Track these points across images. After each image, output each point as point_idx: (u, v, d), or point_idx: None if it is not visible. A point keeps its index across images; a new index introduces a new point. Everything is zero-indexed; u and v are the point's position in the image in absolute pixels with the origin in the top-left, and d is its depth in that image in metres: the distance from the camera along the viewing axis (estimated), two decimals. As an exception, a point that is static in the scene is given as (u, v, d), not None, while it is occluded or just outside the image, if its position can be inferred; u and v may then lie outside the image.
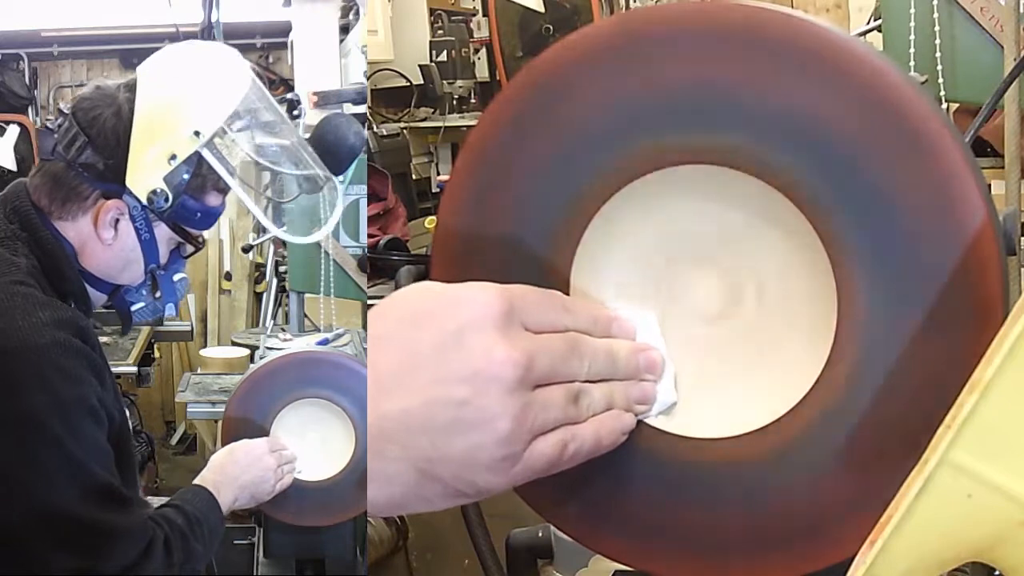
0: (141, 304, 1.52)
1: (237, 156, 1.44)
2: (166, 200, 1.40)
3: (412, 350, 0.67)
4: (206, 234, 1.55)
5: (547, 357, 0.69)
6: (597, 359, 0.73)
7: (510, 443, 0.67)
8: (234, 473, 1.65)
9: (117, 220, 1.43)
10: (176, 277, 1.53)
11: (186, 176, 1.41)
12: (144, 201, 1.40)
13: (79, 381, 1.31)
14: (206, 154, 1.41)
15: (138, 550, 1.35)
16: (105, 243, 1.43)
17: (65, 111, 1.44)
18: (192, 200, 1.44)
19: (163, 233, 1.47)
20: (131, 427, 1.68)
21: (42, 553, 1.32)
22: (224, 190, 1.47)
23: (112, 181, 1.40)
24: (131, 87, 1.43)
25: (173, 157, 1.40)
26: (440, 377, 0.66)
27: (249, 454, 1.71)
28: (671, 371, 0.77)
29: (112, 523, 1.33)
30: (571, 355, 0.71)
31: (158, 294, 1.52)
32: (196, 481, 1.60)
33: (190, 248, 1.52)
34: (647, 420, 0.77)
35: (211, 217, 1.49)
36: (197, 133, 1.40)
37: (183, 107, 1.42)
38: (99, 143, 1.40)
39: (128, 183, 1.40)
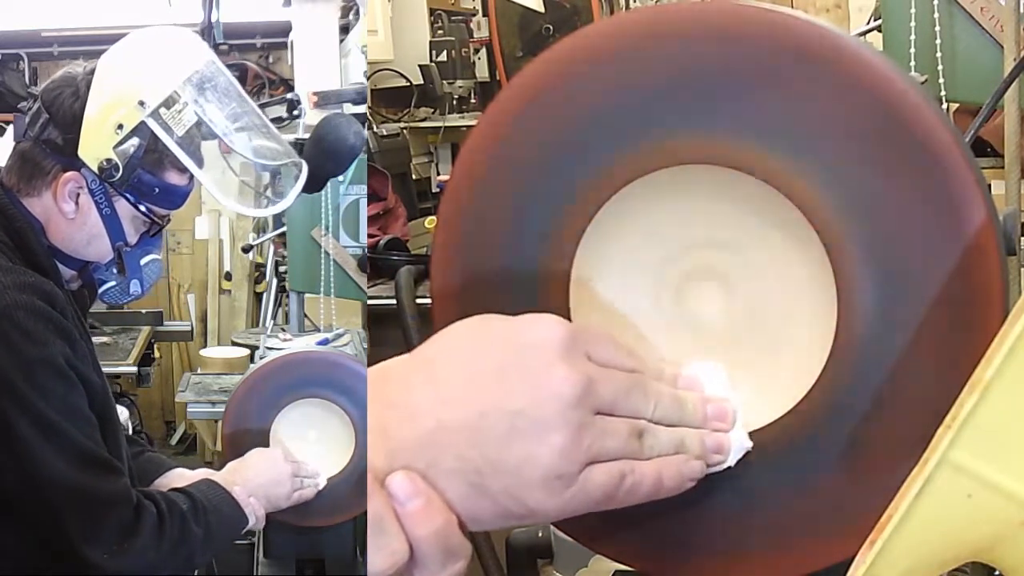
0: (112, 283, 1.56)
1: (184, 127, 1.47)
2: (117, 170, 1.45)
3: (473, 368, 0.67)
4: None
5: (611, 386, 0.68)
6: (663, 402, 0.71)
7: (563, 459, 0.65)
8: (247, 475, 1.65)
9: (78, 195, 1.47)
10: (145, 259, 1.56)
11: (139, 149, 1.45)
12: (95, 170, 1.44)
13: (44, 343, 1.34)
14: (151, 123, 1.45)
15: (124, 517, 1.36)
16: (67, 216, 1.48)
17: (36, 95, 1.50)
18: (149, 175, 1.48)
19: (126, 210, 1.50)
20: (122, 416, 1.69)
21: (24, 519, 1.34)
22: (184, 168, 1.49)
23: (70, 155, 1.46)
24: (93, 70, 1.48)
25: (120, 127, 1.44)
26: (499, 392, 0.66)
27: (263, 458, 1.71)
28: (741, 420, 0.75)
29: (92, 487, 1.35)
30: (636, 391, 0.70)
31: (126, 274, 1.54)
32: (214, 478, 1.61)
33: (155, 227, 1.54)
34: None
35: (173, 195, 1.52)
36: (142, 103, 1.45)
37: (130, 80, 1.47)
38: (58, 119, 1.46)
39: (80, 153, 1.45)
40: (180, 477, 1.63)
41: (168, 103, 1.45)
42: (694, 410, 0.73)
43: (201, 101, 1.48)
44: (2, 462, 1.32)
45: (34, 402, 1.31)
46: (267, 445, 1.81)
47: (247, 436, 1.82)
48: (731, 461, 0.75)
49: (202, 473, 1.67)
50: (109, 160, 1.44)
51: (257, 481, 1.65)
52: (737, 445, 0.75)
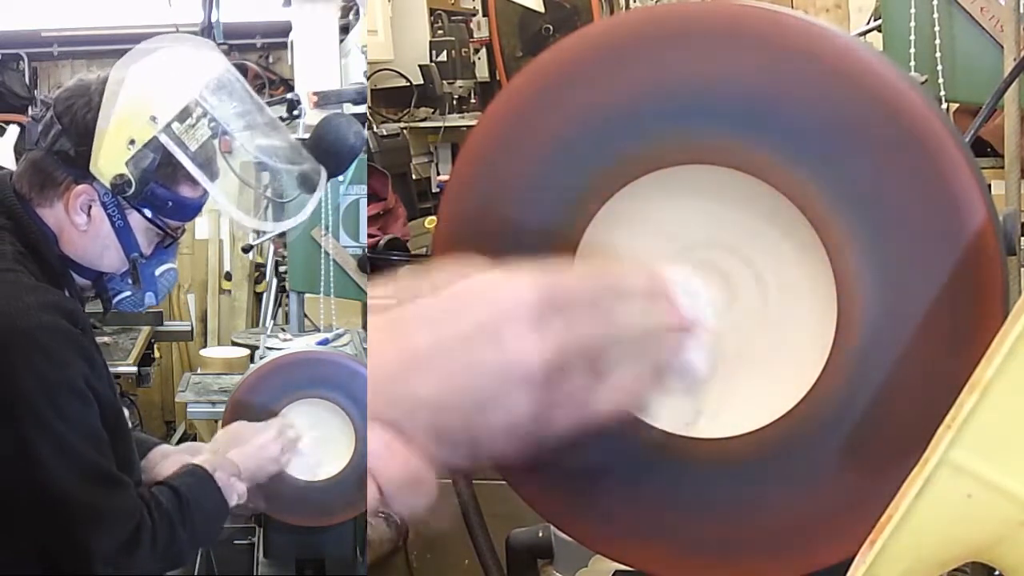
0: (127, 293, 1.55)
1: (198, 142, 1.46)
2: (129, 185, 1.43)
3: (447, 334, 0.68)
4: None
5: (578, 343, 0.69)
6: (626, 330, 0.71)
7: (530, 433, 0.69)
8: (236, 458, 1.65)
9: (90, 206, 1.46)
10: (160, 269, 1.55)
11: (152, 163, 1.44)
12: (108, 185, 1.43)
13: (65, 363, 1.34)
14: (164, 139, 1.43)
15: (127, 533, 1.37)
16: (79, 228, 1.47)
17: (48, 103, 1.48)
18: (162, 188, 1.46)
19: (139, 222, 1.49)
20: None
21: (33, 533, 1.34)
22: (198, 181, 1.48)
23: (82, 167, 1.44)
24: (107, 79, 1.46)
25: (132, 142, 1.43)
26: (472, 365, 0.67)
27: (254, 442, 1.71)
28: (710, 345, 0.72)
29: (102, 505, 1.35)
30: (603, 335, 0.70)
31: (141, 285, 1.54)
32: (198, 460, 1.59)
33: (169, 239, 1.53)
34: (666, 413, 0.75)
35: (186, 208, 1.51)
36: (154, 119, 1.43)
37: (143, 94, 1.45)
38: (71, 131, 1.44)
39: (92, 167, 1.43)
40: (163, 456, 1.62)
41: (182, 117, 1.44)
42: (658, 334, 0.72)
43: (218, 107, 1.47)
44: (16, 479, 1.32)
45: (52, 422, 1.32)
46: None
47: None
48: (683, 389, 0.73)
49: (186, 450, 1.66)
50: (122, 175, 1.43)
51: (243, 465, 1.64)
52: (696, 367, 0.72)
